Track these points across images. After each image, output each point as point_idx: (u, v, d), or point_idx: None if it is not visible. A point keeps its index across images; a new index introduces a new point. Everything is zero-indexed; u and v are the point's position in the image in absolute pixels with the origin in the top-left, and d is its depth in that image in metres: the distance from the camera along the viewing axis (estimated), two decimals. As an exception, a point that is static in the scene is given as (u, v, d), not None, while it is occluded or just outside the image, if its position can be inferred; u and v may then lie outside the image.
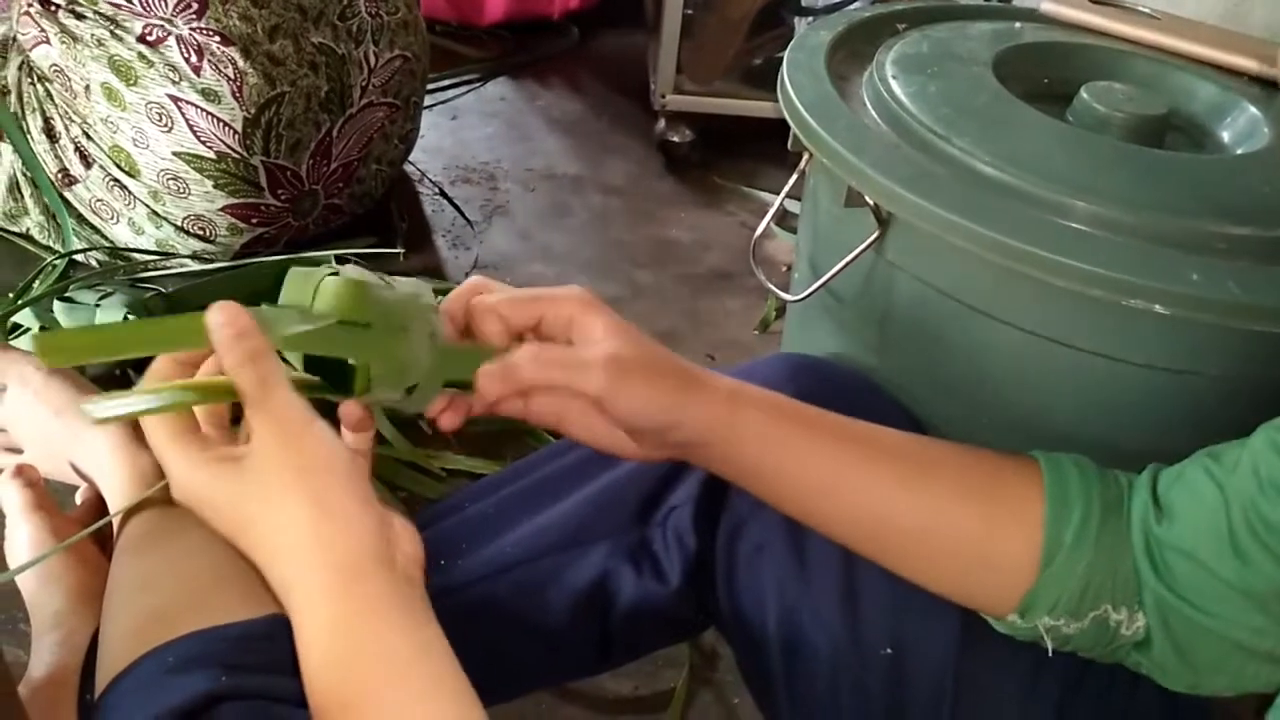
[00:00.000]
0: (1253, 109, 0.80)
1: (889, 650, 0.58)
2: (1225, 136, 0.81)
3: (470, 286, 0.54)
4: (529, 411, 0.53)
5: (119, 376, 1.06)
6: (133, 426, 0.73)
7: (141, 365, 1.04)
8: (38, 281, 1.14)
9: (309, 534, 0.42)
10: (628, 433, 0.52)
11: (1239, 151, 0.78)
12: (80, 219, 1.20)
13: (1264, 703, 0.48)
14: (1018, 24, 0.92)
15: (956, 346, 0.71)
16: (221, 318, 0.43)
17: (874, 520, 0.53)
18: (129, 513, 0.65)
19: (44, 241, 1.23)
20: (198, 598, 0.54)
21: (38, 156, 1.19)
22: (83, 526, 0.71)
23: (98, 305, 1.04)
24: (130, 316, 1.04)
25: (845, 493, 0.52)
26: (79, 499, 0.75)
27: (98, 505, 0.72)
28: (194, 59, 1.09)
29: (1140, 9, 0.93)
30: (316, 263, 0.98)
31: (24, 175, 1.19)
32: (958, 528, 0.52)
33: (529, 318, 0.52)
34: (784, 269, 1.38)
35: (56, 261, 1.17)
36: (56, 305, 1.05)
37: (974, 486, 0.52)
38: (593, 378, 0.50)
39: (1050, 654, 0.52)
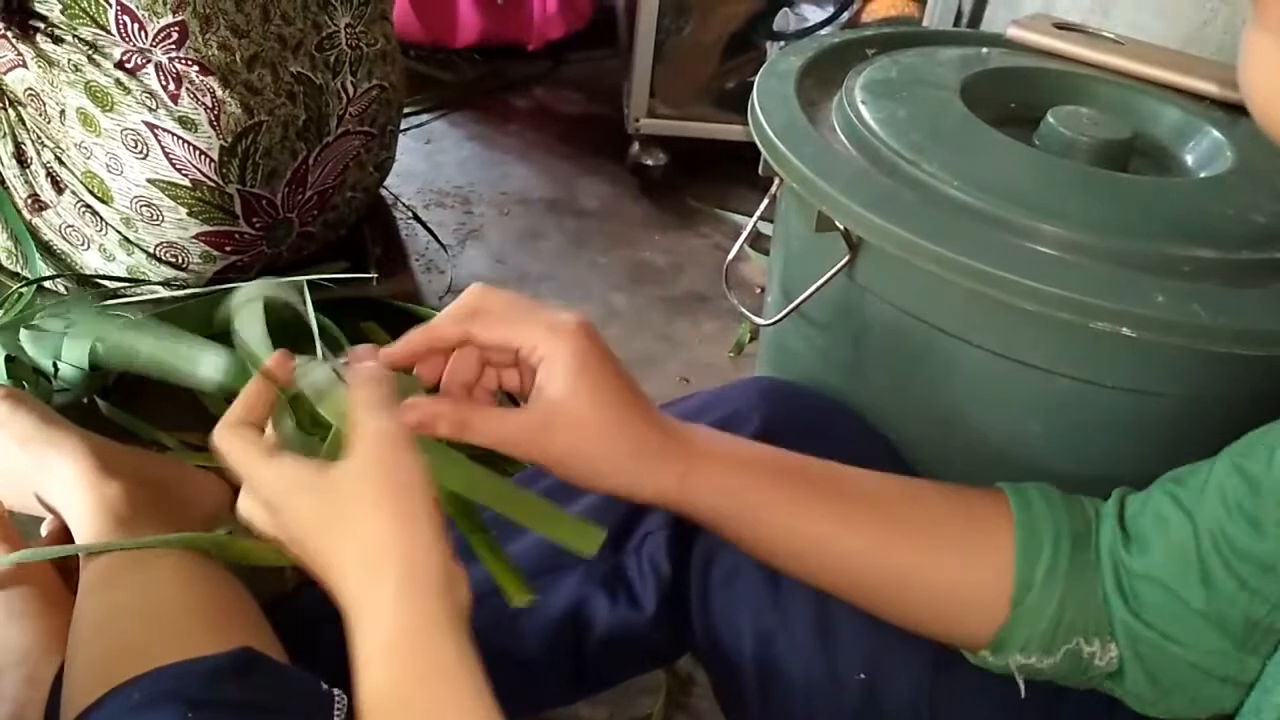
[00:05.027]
0: (1215, 133, 0.81)
1: (863, 676, 0.58)
2: (1189, 160, 0.82)
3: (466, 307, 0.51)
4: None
5: (87, 404, 1.04)
6: (98, 457, 0.72)
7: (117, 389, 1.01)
8: (3, 309, 1.12)
9: (391, 546, 0.43)
10: None
11: (1202, 175, 0.79)
12: (49, 245, 1.19)
13: None
14: (985, 50, 0.94)
15: (928, 369, 0.72)
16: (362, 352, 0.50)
17: (843, 570, 0.53)
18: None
19: (11, 268, 1.21)
20: (165, 631, 0.54)
21: (7, 182, 1.18)
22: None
23: (65, 333, 1.03)
24: (98, 344, 1.02)
25: (813, 546, 0.52)
26: (44, 531, 0.74)
27: (63, 537, 0.71)
28: (172, 87, 1.09)
29: (1104, 34, 0.94)
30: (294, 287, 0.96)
31: (-8, 202, 1.18)
32: (931, 573, 0.52)
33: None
34: (758, 290, 1.38)
35: (23, 289, 1.16)
36: (23, 333, 1.04)
37: (947, 531, 0.52)
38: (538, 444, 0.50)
39: (1023, 690, 0.52)
